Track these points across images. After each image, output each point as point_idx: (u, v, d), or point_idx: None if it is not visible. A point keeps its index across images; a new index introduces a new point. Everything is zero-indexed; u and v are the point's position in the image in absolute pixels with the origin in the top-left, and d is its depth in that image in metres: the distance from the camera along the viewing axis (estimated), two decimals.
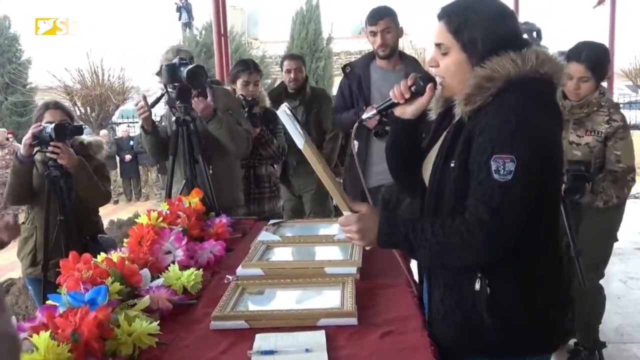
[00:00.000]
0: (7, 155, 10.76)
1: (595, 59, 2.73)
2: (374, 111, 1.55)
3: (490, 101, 1.34)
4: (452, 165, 1.37)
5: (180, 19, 18.34)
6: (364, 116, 1.58)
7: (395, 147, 1.60)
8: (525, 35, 2.84)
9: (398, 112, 1.54)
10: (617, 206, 2.82)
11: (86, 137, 2.89)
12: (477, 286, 1.34)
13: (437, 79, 1.47)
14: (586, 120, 2.79)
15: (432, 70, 1.47)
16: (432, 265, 1.49)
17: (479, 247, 1.29)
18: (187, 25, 18.08)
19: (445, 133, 1.48)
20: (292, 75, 4.02)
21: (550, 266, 1.42)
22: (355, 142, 2.39)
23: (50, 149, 2.50)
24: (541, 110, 1.33)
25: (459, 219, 1.31)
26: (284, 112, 1.44)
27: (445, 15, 1.40)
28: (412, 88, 1.49)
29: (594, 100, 2.76)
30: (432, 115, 1.55)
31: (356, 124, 1.59)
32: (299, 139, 1.40)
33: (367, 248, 1.47)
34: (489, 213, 1.27)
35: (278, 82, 4.27)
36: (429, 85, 1.47)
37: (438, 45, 1.42)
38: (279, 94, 4.05)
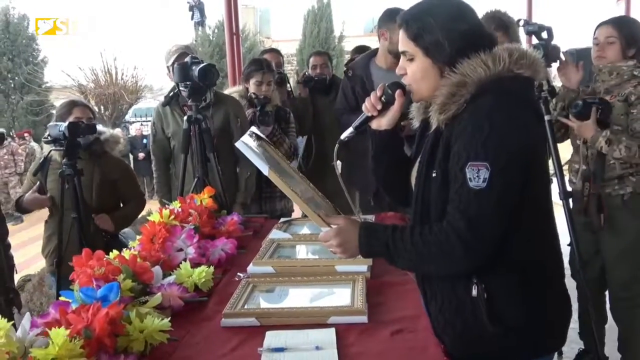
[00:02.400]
0: (6, 156, 10.89)
1: (622, 21, 2.58)
2: (351, 129, 1.53)
3: (464, 108, 1.32)
4: (434, 175, 1.36)
5: (192, 18, 18.43)
6: (343, 136, 1.55)
7: (378, 160, 1.60)
8: (529, 37, 2.81)
9: (374, 125, 1.52)
10: None
11: (102, 130, 2.88)
12: (474, 292, 1.33)
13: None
14: (616, 89, 2.51)
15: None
16: (414, 272, 1.49)
17: (458, 256, 1.29)
18: (200, 24, 18.16)
19: (426, 142, 1.47)
20: (317, 71, 4.18)
21: (548, 268, 1.40)
22: (339, 163, 2.36)
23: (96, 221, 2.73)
24: (517, 111, 1.31)
25: (437, 228, 1.30)
26: (242, 144, 1.48)
27: (404, 22, 1.40)
28: (383, 98, 1.48)
29: (624, 67, 2.47)
30: (415, 124, 1.55)
31: (337, 146, 1.55)
32: (263, 167, 1.43)
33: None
34: (465, 222, 1.26)
35: (292, 80, 4.29)
36: (397, 92, 1.45)
37: (403, 52, 1.42)
38: (311, 87, 4.11)
